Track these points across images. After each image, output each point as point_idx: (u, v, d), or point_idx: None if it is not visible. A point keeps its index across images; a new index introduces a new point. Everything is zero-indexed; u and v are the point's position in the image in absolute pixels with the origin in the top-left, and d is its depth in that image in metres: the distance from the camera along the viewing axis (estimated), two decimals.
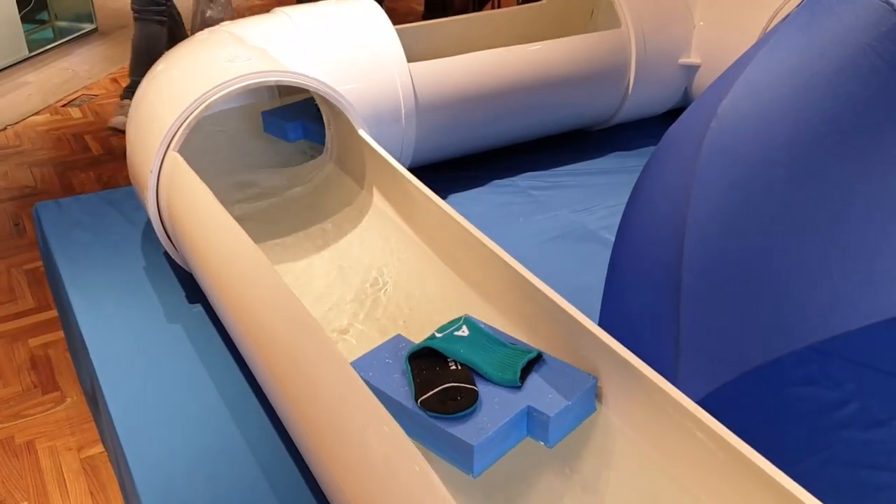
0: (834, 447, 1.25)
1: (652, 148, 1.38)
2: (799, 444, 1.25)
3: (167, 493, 1.19)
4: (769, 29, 1.96)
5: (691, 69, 2.29)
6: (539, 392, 1.09)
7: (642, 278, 1.19)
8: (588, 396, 1.10)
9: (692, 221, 1.08)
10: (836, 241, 1.01)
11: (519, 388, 1.09)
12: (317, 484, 1.13)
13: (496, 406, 1.07)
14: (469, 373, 1.11)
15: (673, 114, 2.38)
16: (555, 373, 1.12)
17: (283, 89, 2.16)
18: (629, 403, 1.07)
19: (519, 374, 1.10)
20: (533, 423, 1.08)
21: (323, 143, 1.92)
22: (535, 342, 1.25)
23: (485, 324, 1.22)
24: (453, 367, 1.12)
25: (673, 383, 1.00)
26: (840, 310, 1.06)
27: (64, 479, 1.78)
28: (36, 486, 1.76)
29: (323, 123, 1.89)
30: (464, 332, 1.18)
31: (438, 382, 1.09)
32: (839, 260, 0.98)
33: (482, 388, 1.09)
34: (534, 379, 1.11)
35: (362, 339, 1.43)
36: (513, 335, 1.30)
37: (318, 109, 1.96)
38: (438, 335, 1.18)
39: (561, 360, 1.14)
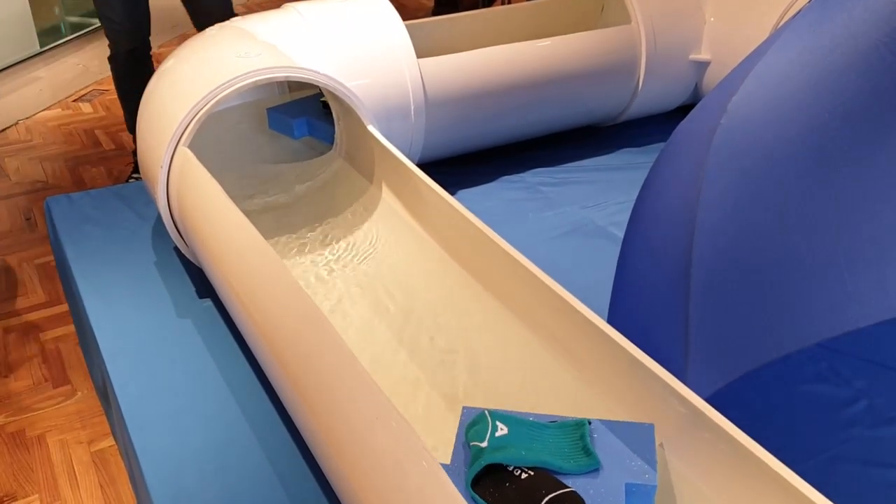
0: (843, 445, 1.24)
1: (662, 144, 1.38)
2: (808, 442, 1.24)
3: (177, 487, 1.20)
4: (780, 25, 1.95)
5: (702, 65, 2.28)
6: (620, 464, 0.98)
7: (652, 274, 1.19)
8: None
9: (702, 218, 1.07)
10: (847, 238, 1.00)
11: (598, 469, 0.98)
12: (324, 477, 1.13)
13: (598, 499, 0.94)
14: (547, 474, 0.96)
15: (683, 110, 2.37)
16: (616, 435, 1.01)
17: (293, 85, 2.16)
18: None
19: (594, 453, 0.98)
20: (633, 498, 0.96)
21: (328, 140, 1.92)
22: (545, 340, 1.25)
23: (505, 411, 1.06)
24: (525, 476, 0.96)
25: (682, 380, 1.00)
26: (850, 307, 1.05)
27: (74, 472, 1.79)
28: (47, 479, 1.78)
29: (328, 120, 1.89)
30: (503, 430, 1.02)
31: (529, 501, 0.93)
32: (850, 257, 0.98)
33: (570, 485, 0.95)
34: (604, 451, 0.99)
35: (371, 334, 1.43)
36: (520, 332, 1.30)
37: (324, 106, 1.96)
38: (482, 444, 0.99)
39: (608, 421, 1.04)
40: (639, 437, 1.00)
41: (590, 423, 1.02)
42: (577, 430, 1.01)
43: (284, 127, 2.01)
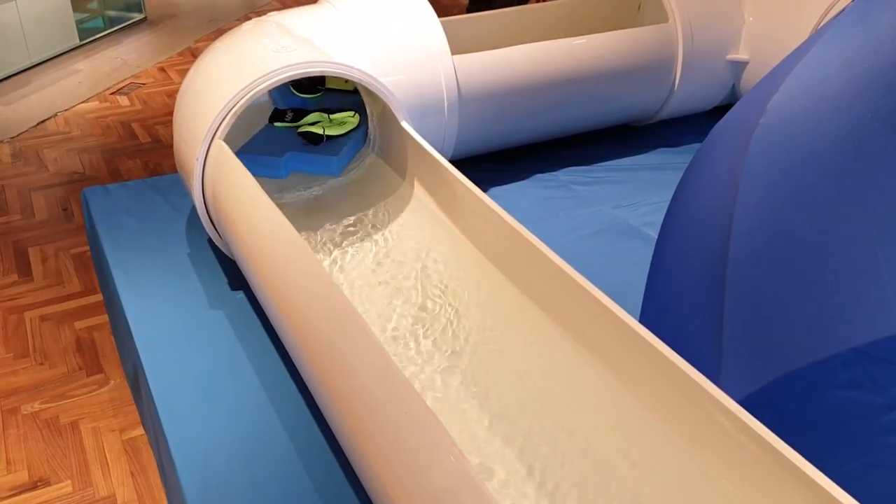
0: (880, 452, 1.22)
1: (697, 145, 1.36)
2: (842, 448, 1.22)
3: (206, 474, 1.21)
4: (821, 25, 1.92)
5: (739, 65, 2.26)
6: None
7: (686, 275, 1.17)
8: None
9: (738, 218, 1.06)
10: (886, 241, 0.99)
11: None
12: (351, 468, 1.14)
13: None
14: None
15: (719, 111, 2.35)
16: None
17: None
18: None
19: None
20: None
21: (315, 171, 1.79)
22: (575, 338, 1.25)
23: None
24: None
25: (715, 382, 0.99)
26: (888, 312, 1.03)
27: (106, 460, 1.81)
28: (79, 466, 1.80)
29: (309, 149, 1.78)
30: None
31: None
32: (889, 260, 0.96)
33: None
34: None
35: (401, 328, 1.44)
36: (551, 330, 1.29)
37: (303, 136, 1.80)
38: None
39: None
40: None
41: None
42: None
43: (268, 169, 1.75)
